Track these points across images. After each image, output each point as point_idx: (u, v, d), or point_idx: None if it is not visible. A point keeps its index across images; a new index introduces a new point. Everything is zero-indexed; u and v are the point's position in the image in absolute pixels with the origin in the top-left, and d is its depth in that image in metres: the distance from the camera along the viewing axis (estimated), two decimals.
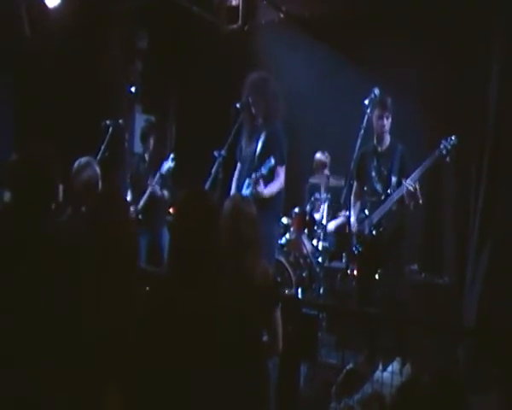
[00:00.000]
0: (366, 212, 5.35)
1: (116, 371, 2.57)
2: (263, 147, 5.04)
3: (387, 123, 5.23)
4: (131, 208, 6.18)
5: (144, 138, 6.72)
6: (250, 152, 5.13)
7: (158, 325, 2.58)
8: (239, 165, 5.34)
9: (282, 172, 5.00)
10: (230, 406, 2.57)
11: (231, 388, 2.57)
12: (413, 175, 5.02)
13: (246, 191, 4.97)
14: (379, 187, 5.30)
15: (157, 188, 6.36)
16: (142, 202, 6.43)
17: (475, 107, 6.04)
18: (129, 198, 6.50)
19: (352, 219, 5.36)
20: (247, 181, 5.01)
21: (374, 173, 5.33)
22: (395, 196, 5.15)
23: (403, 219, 5.31)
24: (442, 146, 5.01)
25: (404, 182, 5.02)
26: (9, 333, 2.72)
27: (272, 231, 5.09)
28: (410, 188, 4.95)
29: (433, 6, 6.28)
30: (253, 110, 5.08)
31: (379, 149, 5.34)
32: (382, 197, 5.26)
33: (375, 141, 5.34)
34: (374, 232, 5.27)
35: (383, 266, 5.27)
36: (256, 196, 4.73)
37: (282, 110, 5.09)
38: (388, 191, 5.22)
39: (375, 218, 5.27)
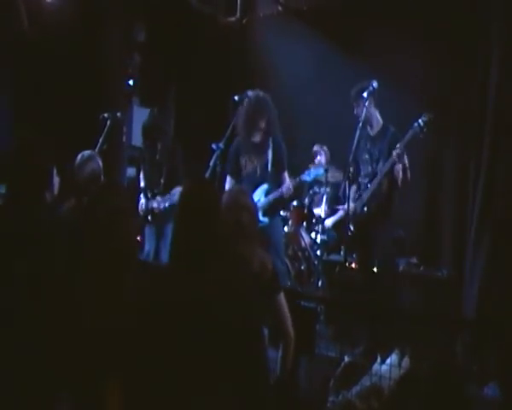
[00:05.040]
0: (359, 192, 5.51)
1: (117, 364, 2.57)
2: (273, 160, 5.40)
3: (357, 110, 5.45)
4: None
5: None
6: (259, 165, 5.43)
7: (158, 313, 2.59)
8: (230, 178, 5.55)
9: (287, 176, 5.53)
10: (230, 391, 2.60)
11: (231, 374, 2.59)
12: (399, 144, 5.20)
13: (262, 198, 5.35)
14: (370, 169, 5.45)
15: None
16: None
17: (475, 99, 6.04)
18: None
19: (351, 203, 5.49)
20: (264, 188, 5.37)
21: (367, 156, 5.47)
22: (384, 169, 5.28)
23: (389, 198, 5.39)
24: (417, 123, 5.21)
25: (393, 152, 5.19)
26: (6, 328, 2.72)
27: (280, 231, 5.80)
28: (398, 151, 5.14)
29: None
30: (254, 127, 5.32)
31: (371, 133, 5.49)
32: (373, 176, 5.41)
33: (367, 127, 5.47)
34: (365, 209, 5.42)
35: (372, 245, 5.43)
36: (274, 202, 5.36)
37: (278, 125, 5.45)
38: (378, 171, 5.38)
39: (366, 196, 5.42)
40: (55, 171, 3.40)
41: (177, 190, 5.60)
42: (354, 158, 5.41)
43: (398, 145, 5.19)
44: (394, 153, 5.18)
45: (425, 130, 5.22)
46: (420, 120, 5.22)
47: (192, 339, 2.53)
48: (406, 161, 5.23)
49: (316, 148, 7.22)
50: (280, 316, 3.43)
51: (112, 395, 2.57)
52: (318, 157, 7.17)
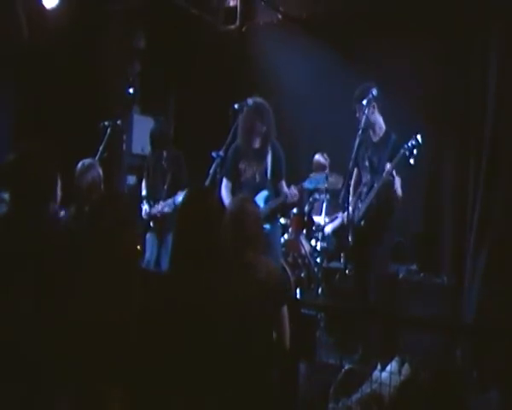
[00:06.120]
0: (359, 202, 5.43)
1: (118, 370, 2.58)
2: (272, 168, 5.46)
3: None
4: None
5: None
6: (258, 171, 5.46)
7: (160, 321, 2.60)
8: (227, 182, 5.50)
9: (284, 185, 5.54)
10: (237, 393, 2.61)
11: (232, 376, 2.60)
12: (388, 166, 5.08)
13: (261, 204, 5.32)
14: (370, 177, 5.37)
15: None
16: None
17: (474, 105, 6.06)
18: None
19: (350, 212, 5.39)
20: (264, 195, 5.41)
21: (367, 163, 5.40)
22: (376, 187, 5.21)
23: (385, 211, 5.31)
24: (406, 145, 5.05)
25: (384, 173, 5.11)
26: (9, 334, 2.73)
27: (279, 237, 5.96)
28: (388, 170, 5.05)
29: (432, 4, 6.29)
30: (254, 133, 5.36)
31: (373, 139, 5.42)
32: (371, 187, 5.32)
33: (370, 132, 5.40)
34: (362, 223, 5.33)
35: (369, 259, 5.37)
36: (275, 208, 5.44)
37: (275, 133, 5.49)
38: (375, 182, 5.27)
39: (362, 209, 5.34)
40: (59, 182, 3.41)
41: (180, 194, 5.61)
42: (355, 165, 5.37)
43: (388, 165, 5.08)
44: (384, 173, 5.09)
45: (415, 152, 5.02)
46: (409, 143, 5.05)
47: (192, 343, 2.54)
48: (396, 183, 5.11)
49: (321, 159, 7.15)
50: (280, 329, 3.41)
51: (113, 397, 2.59)
52: (326, 171, 7.05)
